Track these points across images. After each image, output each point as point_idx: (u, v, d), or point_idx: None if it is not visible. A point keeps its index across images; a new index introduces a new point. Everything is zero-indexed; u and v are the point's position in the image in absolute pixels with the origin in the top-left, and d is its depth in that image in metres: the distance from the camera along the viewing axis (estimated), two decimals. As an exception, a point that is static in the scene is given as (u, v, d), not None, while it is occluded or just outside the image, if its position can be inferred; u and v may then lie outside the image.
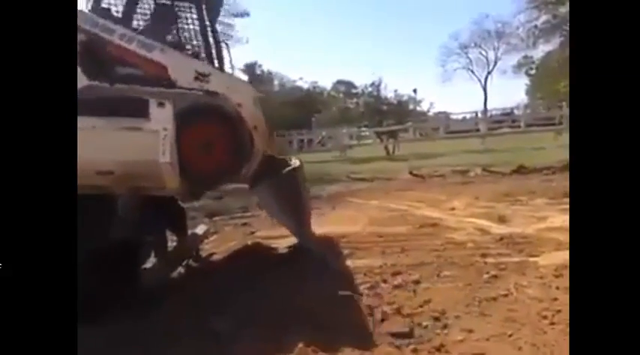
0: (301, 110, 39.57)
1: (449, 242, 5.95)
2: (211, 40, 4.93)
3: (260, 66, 46.44)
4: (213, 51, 4.85)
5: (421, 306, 4.08)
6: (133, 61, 4.33)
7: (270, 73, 47.98)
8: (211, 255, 6.34)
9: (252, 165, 4.90)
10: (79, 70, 4.14)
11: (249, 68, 44.93)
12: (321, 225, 7.20)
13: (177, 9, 4.97)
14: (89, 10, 4.49)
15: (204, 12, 4.90)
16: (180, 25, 5.00)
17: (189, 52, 4.89)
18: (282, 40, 74.06)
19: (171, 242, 5.93)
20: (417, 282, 4.63)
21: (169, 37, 4.91)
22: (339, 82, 52.22)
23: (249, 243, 6.70)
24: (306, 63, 79.94)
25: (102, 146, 4.04)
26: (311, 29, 78.86)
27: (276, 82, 49.01)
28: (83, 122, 4.00)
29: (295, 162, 5.98)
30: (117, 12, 4.72)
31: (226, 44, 5.13)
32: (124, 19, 4.62)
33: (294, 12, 75.23)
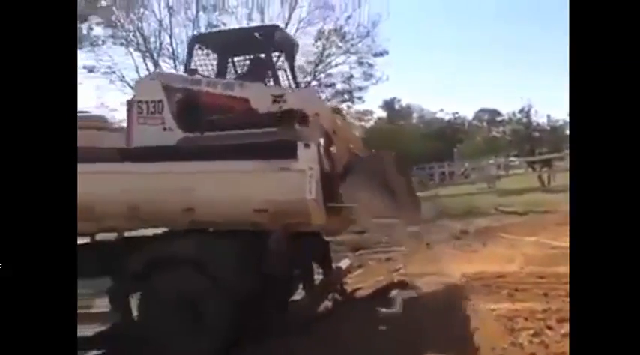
0: (442, 141, 38.58)
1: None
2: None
3: (399, 101, 46.77)
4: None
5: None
6: (221, 102, 4.78)
7: (408, 107, 47.96)
8: (357, 289, 6.32)
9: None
10: (175, 124, 4.68)
11: (388, 104, 45.51)
12: (472, 263, 6.76)
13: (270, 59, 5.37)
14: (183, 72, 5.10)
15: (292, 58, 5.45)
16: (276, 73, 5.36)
17: None
18: (422, 74, 73.95)
19: (317, 275, 6.07)
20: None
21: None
22: (482, 111, 50.00)
23: (395, 280, 6.54)
24: (447, 94, 78.47)
25: (258, 186, 4.35)
26: (450, 60, 77.57)
27: (415, 115, 48.74)
28: (239, 165, 4.40)
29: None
30: (205, 71, 5.29)
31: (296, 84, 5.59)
32: (218, 76, 5.13)
33: (433, 45, 75.00)
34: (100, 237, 5.90)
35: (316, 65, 23.77)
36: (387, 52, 24.03)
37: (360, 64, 24.15)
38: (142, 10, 21.66)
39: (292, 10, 22.82)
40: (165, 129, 4.80)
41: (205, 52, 5.40)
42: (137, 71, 20.11)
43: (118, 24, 21.36)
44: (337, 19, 23.09)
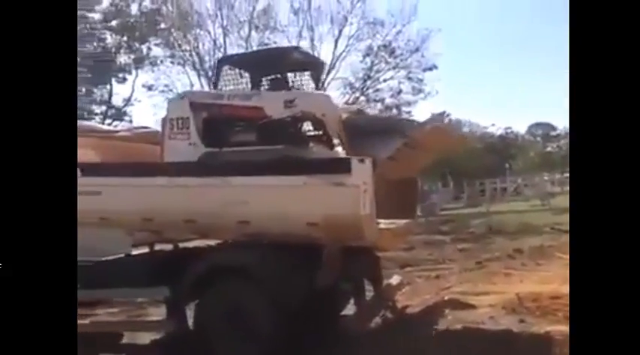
0: (494, 157, 37.52)
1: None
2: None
3: (448, 115, 45.72)
4: None
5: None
6: (240, 113, 5.10)
7: (458, 121, 47.00)
8: (406, 307, 6.24)
9: None
10: (199, 140, 4.99)
11: (437, 118, 44.82)
12: (526, 282, 6.54)
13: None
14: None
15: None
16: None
17: None
18: (473, 89, 72.53)
19: (368, 291, 6.04)
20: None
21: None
22: (536, 125, 48.27)
23: (446, 298, 6.41)
24: (499, 108, 76.44)
25: (311, 200, 4.45)
26: (502, 74, 75.68)
27: (465, 130, 47.70)
28: (294, 180, 4.51)
29: None
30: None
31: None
32: None
33: (484, 59, 73.52)
34: (158, 247, 6.19)
35: (365, 81, 23.93)
36: (436, 67, 23.89)
37: (409, 78, 24.13)
38: (198, 30, 22.66)
39: (342, 26, 23.17)
40: (190, 144, 5.12)
41: (237, 71, 5.71)
42: (192, 89, 20.91)
43: (176, 44, 22.39)
44: (386, 35, 23.23)
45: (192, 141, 5.12)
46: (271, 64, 5.61)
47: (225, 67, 5.77)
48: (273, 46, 22.57)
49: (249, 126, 5.16)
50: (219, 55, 21.90)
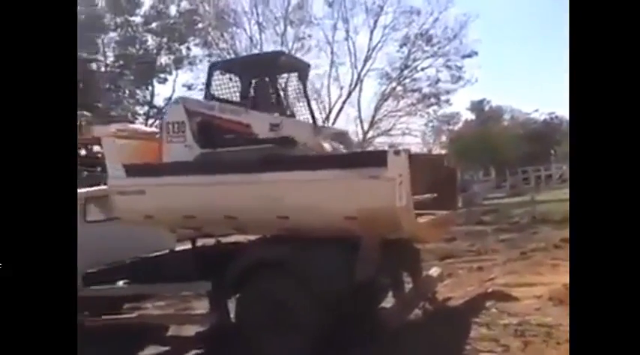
0: (538, 143, 36.28)
1: None
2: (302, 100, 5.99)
3: (489, 102, 44.70)
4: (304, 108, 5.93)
5: None
6: (229, 126, 5.38)
7: (499, 108, 45.71)
8: (448, 299, 6.17)
9: None
10: (194, 142, 5.30)
11: (476, 106, 43.72)
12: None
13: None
14: (203, 99, 5.77)
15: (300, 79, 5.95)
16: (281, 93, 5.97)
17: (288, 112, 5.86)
18: (515, 75, 70.11)
19: (407, 283, 6.01)
20: None
21: (271, 104, 5.80)
22: (583, 109, 46.14)
23: (490, 290, 6.28)
24: (542, 94, 73.56)
25: (348, 194, 4.47)
26: (545, 58, 72.77)
27: (507, 117, 46.33)
28: (330, 174, 4.53)
29: None
30: (223, 95, 5.82)
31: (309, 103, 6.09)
32: (241, 101, 5.62)
33: (525, 43, 70.85)
34: (200, 243, 6.38)
35: (401, 70, 23.63)
36: (475, 53, 23.39)
37: (448, 66, 23.72)
38: (234, 28, 23.00)
39: (377, 17, 22.95)
40: (186, 146, 5.37)
41: (228, 76, 5.97)
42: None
43: (214, 43, 22.80)
44: (423, 23, 22.84)
45: (187, 143, 5.37)
46: (259, 69, 5.87)
47: (217, 72, 5.99)
48: (308, 39, 22.62)
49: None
50: (256, 51, 22.16)
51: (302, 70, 6.23)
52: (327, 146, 5.33)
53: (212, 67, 6.25)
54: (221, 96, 5.86)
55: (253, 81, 5.86)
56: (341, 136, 6.00)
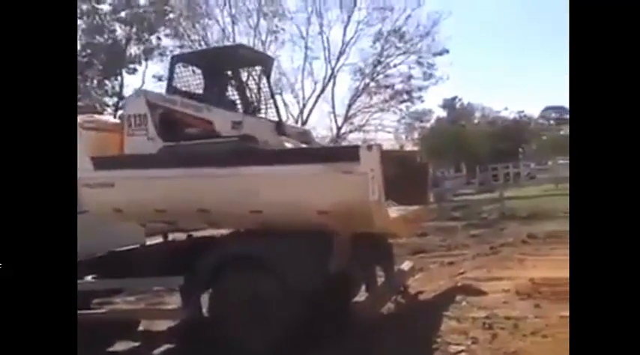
0: (507, 141, 37.15)
1: None
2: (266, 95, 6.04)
3: (460, 99, 45.48)
4: (268, 103, 5.96)
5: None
6: (192, 121, 5.40)
7: (470, 106, 46.57)
8: (419, 293, 6.27)
9: None
10: (156, 135, 5.27)
11: (448, 103, 44.42)
12: (540, 268, 6.51)
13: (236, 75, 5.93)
14: (165, 92, 5.76)
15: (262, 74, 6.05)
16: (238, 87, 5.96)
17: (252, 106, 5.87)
18: (485, 73, 71.55)
19: (380, 278, 6.07)
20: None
21: (233, 98, 5.92)
22: (549, 108, 47.54)
23: (459, 284, 6.41)
24: (511, 92, 75.34)
25: (320, 189, 4.48)
26: (514, 56, 74.51)
27: (477, 114, 47.25)
28: (302, 169, 4.54)
29: None
30: (184, 88, 5.81)
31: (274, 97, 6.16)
32: (203, 94, 5.65)
33: (496, 41, 72.38)
34: (171, 237, 6.28)
35: (375, 66, 23.75)
36: (447, 51, 23.66)
37: (420, 63, 23.92)
38: (206, 20, 22.61)
39: (351, 12, 22.98)
40: (148, 139, 5.33)
41: (190, 69, 5.95)
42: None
43: (185, 35, 22.38)
44: (396, 20, 22.99)
45: (150, 136, 5.33)
46: (220, 62, 5.85)
47: (179, 64, 5.96)
48: (281, 33, 22.49)
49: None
50: (228, 44, 21.87)
51: (265, 63, 6.20)
52: (288, 145, 5.33)
53: (174, 59, 6.18)
54: (183, 89, 5.80)
55: (215, 74, 5.82)
56: (303, 135, 6.01)
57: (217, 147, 5.09)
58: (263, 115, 5.87)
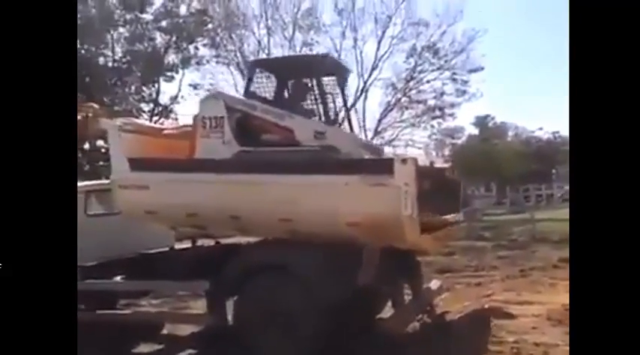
0: (540, 162, 36.28)
1: None
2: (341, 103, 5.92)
3: (493, 118, 44.74)
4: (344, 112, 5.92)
5: None
6: (271, 128, 5.25)
7: (503, 124, 45.75)
8: (445, 313, 6.13)
9: None
10: (232, 138, 5.14)
11: (481, 121, 43.77)
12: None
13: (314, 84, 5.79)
14: (243, 95, 5.67)
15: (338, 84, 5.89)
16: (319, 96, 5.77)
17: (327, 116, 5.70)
18: (520, 92, 70.38)
19: (407, 295, 5.97)
20: None
21: (306, 105, 5.77)
22: (585, 130, 46.19)
23: (487, 306, 6.24)
24: (547, 112, 73.73)
25: (352, 200, 4.44)
26: (551, 76, 73.03)
27: (510, 133, 46.35)
28: (336, 179, 4.52)
29: None
30: (262, 93, 5.72)
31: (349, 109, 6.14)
32: (276, 99, 5.58)
33: (532, 60, 71.19)
34: (200, 242, 6.34)
35: (407, 81, 23.63)
36: (482, 68, 23.33)
37: (454, 80, 23.63)
38: (243, 31, 23.03)
39: (385, 27, 23.00)
40: (224, 142, 5.21)
41: (266, 74, 5.87)
42: (235, 88, 21.24)
43: (221, 45, 22.82)
44: (431, 36, 22.87)
45: (226, 140, 5.22)
46: (301, 70, 5.80)
47: (258, 70, 5.95)
48: (315, 46, 22.72)
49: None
50: (264, 55, 22.17)
51: (342, 74, 6.14)
52: (350, 158, 5.22)
53: (254, 64, 6.19)
54: (261, 95, 5.76)
55: (293, 81, 5.80)
56: (377, 151, 5.96)
57: (299, 155, 4.99)
58: (343, 126, 5.85)
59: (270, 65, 6.21)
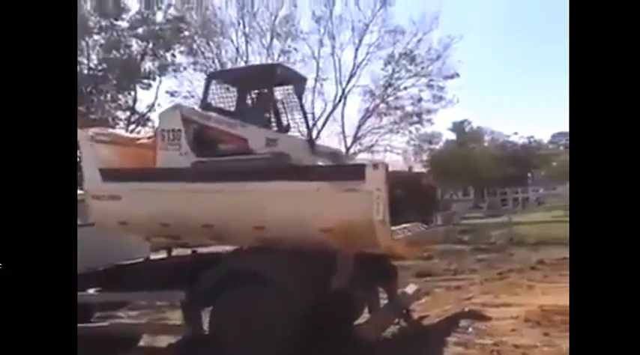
0: (516, 166, 36.93)
1: None
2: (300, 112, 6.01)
3: (469, 123, 45.39)
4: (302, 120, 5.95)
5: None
6: (225, 138, 5.33)
7: (479, 129, 46.45)
8: (424, 317, 6.15)
9: None
10: (189, 150, 5.24)
11: (458, 126, 44.37)
12: (550, 295, 6.38)
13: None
14: (199, 108, 5.80)
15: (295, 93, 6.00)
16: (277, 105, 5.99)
17: (284, 124, 5.90)
18: (495, 97, 71.58)
19: (383, 300, 5.97)
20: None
21: (267, 115, 5.90)
22: (560, 134, 47.31)
23: (466, 309, 6.29)
24: (521, 117, 75.15)
25: (324, 206, 4.45)
26: (525, 81, 74.57)
27: (486, 138, 47.08)
28: (307, 186, 4.52)
29: None
30: (218, 104, 5.87)
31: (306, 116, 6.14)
32: (237, 111, 5.68)
33: (506, 66, 72.53)
34: (175, 252, 6.26)
35: (385, 88, 23.84)
36: (458, 75, 23.65)
37: (430, 86, 23.91)
38: (220, 38, 22.94)
39: (363, 35, 23.18)
40: (181, 154, 5.28)
41: (225, 86, 6.00)
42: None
43: (199, 52, 22.68)
44: (407, 43, 23.14)
45: (182, 151, 5.29)
46: (257, 80, 5.87)
47: (214, 82, 6.03)
48: (293, 53, 22.77)
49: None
50: (242, 63, 22.10)
51: (298, 83, 6.24)
52: (321, 164, 5.30)
53: (210, 77, 6.27)
54: (217, 106, 5.83)
55: (250, 92, 5.87)
56: (335, 156, 6.00)
57: (251, 163, 5.04)
58: (297, 134, 5.89)
59: (225, 77, 6.37)
